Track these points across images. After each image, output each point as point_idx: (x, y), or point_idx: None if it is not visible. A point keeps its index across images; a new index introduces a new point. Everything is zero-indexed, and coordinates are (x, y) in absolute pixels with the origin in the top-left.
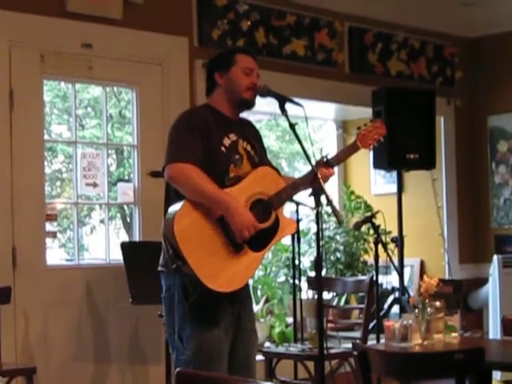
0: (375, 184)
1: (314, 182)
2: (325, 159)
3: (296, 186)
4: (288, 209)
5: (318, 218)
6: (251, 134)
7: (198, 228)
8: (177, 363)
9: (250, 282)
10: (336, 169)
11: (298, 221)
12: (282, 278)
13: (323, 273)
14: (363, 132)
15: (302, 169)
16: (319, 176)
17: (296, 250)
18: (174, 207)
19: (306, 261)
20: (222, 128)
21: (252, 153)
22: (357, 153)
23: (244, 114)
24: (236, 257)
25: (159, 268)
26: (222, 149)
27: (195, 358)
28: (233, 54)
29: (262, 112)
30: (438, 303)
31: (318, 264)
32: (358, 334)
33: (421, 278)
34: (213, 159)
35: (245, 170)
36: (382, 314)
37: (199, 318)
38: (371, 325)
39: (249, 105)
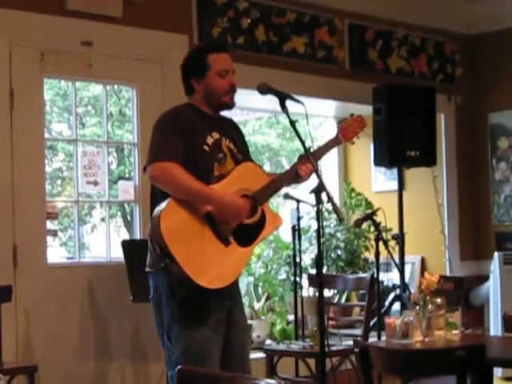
0: (376, 181)
1: (297, 177)
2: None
3: (281, 181)
4: (289, 206)
5: (319, 216)
6: (234, 133)
7: (185, 225)
8: (168, 364)
9: (251, 279)
10: (336, 166)
11: (298, 218)
12: (282, 276)
13: (324, 270)
14: (344, 125)
15: None
16: (300, 172)
17: (297, 247)
18: (160, 207)
19: (307, 258)
20: (205, 126)
21: (235, 151)
22: (339, 146)
23: (243, 112)
24: (224, 253)
25: (146, 269)
26: (206, 148)
27: (185, 357)
28: (205, 57)
29: (263, 109)
30: (438, 300)
31: (318, 261)
32: (358, 331)
33: (422, 275)
34: (197, 158)
35: (228, 168)
36: (382, 311)
37: (187, 317)
38: (372, 322)
39: (229, 107)
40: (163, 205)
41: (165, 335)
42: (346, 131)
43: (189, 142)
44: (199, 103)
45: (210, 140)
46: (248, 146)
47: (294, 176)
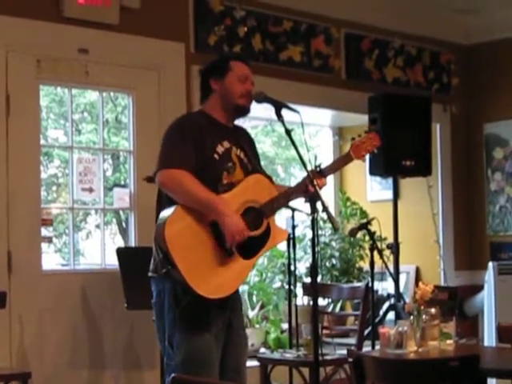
0: (371, 190)
1: (306, 191)
2: (318, 169)
3: (288, 194)
4: (284, 215)
5: (314, 224)
6: (245, 142)
7: (189, 233)
8: (167, 369)
9: (245, 287)
10: (332, 175)
11: (293, 227)
12: (277, 284)
13: (319, 279)
14: (357, 143)
15: (297, 175)
16: (316, 185)
17: (291, 256)
18: (166, 212)
19: (302, 267)
20: (215, 135)
21: (245, 160)
22: (351, 162)
23: (241, 119)
24: (226, 263)
25: (149, 274)
26: (215, 156)
27: (185, 364)
28: (228, 61)
29: (259, 118)
30: (433, 310)
31: (313, 270)
32: (353, 340)
33: (416, 284)
34: (206, 166)
35: (238, 177)
36: (377, 320)
37: (189, 325)
38: (366, 331)
39: (243, 111)
40: (170, 210)
41: (166, 341)
42: (358, 149)
43: (198, 149)
44: (213, 109)
45: (220, 149)
46: (259, 156)
47: (303, 191)
